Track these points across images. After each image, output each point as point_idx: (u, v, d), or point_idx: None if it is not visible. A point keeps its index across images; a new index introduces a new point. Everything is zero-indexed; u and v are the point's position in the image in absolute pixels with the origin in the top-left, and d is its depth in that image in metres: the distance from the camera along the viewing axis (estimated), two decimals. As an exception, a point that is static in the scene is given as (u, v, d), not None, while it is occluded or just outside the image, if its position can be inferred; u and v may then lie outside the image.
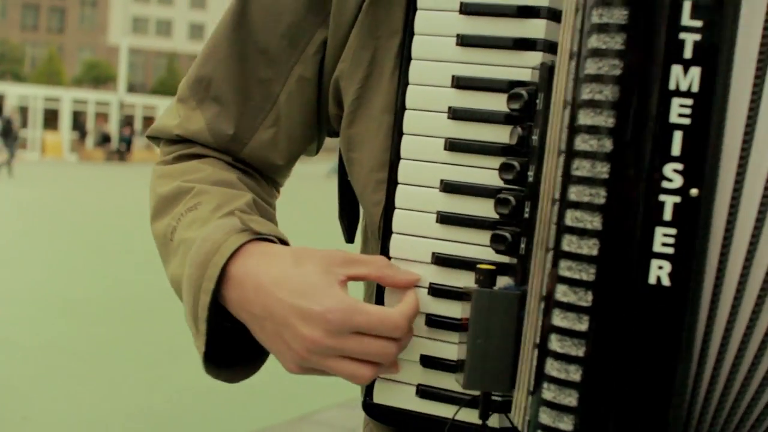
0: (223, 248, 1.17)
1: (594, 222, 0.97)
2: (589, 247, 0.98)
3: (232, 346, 1.27)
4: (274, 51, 1.29)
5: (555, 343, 0.99)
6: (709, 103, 0.95)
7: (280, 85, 1.30)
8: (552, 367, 1.00)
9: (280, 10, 1.28)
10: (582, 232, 0.98)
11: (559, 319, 0.99)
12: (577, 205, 0.98)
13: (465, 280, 1.16)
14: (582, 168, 0.98)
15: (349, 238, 1.40)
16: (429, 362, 1.19)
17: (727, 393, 0.98)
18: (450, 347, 1.18)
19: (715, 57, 0.95)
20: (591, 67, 0.98)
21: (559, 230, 1.00)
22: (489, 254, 1.15)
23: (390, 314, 1.12)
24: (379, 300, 1.20)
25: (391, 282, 1.17)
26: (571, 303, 0.98)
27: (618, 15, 0.97)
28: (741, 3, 0.94)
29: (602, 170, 0.97)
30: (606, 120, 0.97)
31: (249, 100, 1.32)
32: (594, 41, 0.98)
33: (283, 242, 1.21)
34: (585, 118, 0.98)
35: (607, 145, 0.97)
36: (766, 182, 0.96)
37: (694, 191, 0.95)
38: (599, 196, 0.97)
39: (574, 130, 0.99)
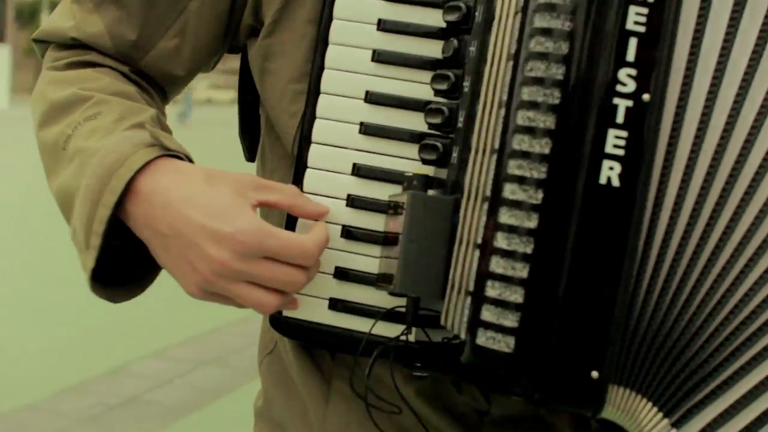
0: (130, 161, 1.11)
1: (547, 122, 1.00)
2: (541, 146, 1.00)
3: (119, 264, 1.20)
4: None
5: (501, 241, 1.01)
6: (662, 12, 0.99)
7: None
8: (498, 265, 1.01)
9: None
10: (534, 132, 1.00)
11: (506, 217, 1.00)
12: (530, 105, 1.00)
13: (384, 193, 1.16)
14: (537, 69, 1.00)
15: (251, 156, 1.37)
16: (343, 275, 1.17)
17: (667, 287, 1.02)
18: (366, 260, 1.17)
19: (671, -32, 0.99)
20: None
21: (509, 131, 1.01)
22: (411, 166, 1.15)
23: (302, 240, 1.10)
24: (289, 229, 1.18)
25: (302, 212, 1.15)
26: (521, 200, 1.00)
27: None
28: None
29: (557, 72, 1.00)
30: (563, 24, 1.00)
31: (154, 6, 1.26)
32: (554, -53, 1.00)
33: (190, 159, 1.17)
34: (541, 21, 1.00)
35: (564, 47, 1.00)
36: (708, 91, 1.01)
37: (646, 96, 0.99)
38: (553, 96, 1.00)
39: (529, 33, 1.01)
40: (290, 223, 1.18)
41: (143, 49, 1.27)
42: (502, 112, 1.03)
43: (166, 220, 1.10)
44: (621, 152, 0.99)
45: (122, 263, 1.20)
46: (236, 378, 6.02)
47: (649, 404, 1.03)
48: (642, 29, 0.99)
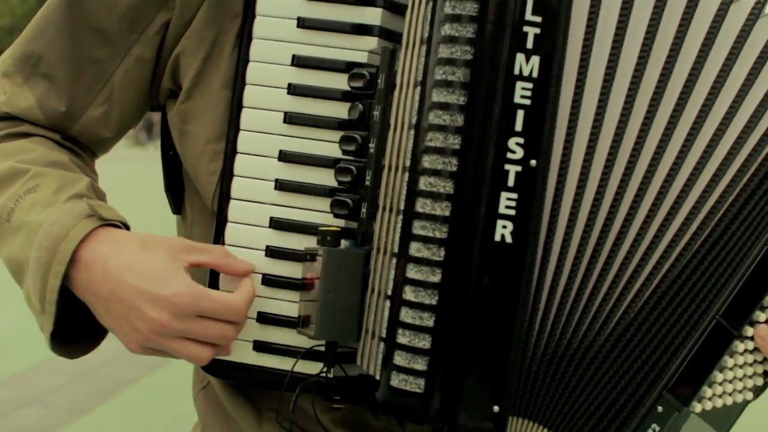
0: (72, 233, 1.21)
1: (446, 186, 1.12)
2: (442, 209, 1.12)
3: (73, 324, 1.30)
4: (111, 31, 1.33)
5: (409, 294, 1.13)
6: (547, 87, 1.12)
7: (115, 65, 1.34)
8: (407, 315, 1.13)
9: None
10: (435, 196, 1.12)
11: (413, 272, 1.13)
12: (430, 172, 1.12)
13: (300, 243, 1.27)
14: (435, 140, 1.12)
15: (177, 209, 1.46)
16: (266, 319, 1.28)
17: (555, 328, 1.16)
18: (286, 305, 1.28)
19: (552, 48, 1.12)
20: (444, 51, 1.12)
21: (412, 194, 1.13)
22: (324, 219, 1.26)
23: (233, 300, 1.22)
24: (213, 284, 1.29)
25: (230, 270, 1.26)
26: (425, 257, 1.12)
27: (470, 8, 1.12)
28: (572, 4, 1.12)
29: (454, 142, 1.12)
30: (458, 98, 1.12)
31: (81, 77, 1.34)
32: (447, 29, 1.12)
33: (126, 226, 1.27)
34: (438, 96, 1.12)
35: (459, 120, 1.12)
36: (584, 155, 1.15)
37: (533, 162, 1.12)
38: (451, 164, 1.12)
39: (428, 106, 1.13)
40: (214, 277, 1.28)
41: (73, 119, 1.35)
42: (406, 176, 1.14)
43: (106, 286, 1.20)
44: (512, 212, 1.12)
45: (75, 321, 1.30)
46: (59, 417, 5.80)
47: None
48: (528, 102, 1.12)
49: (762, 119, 1.18)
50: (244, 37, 1.28)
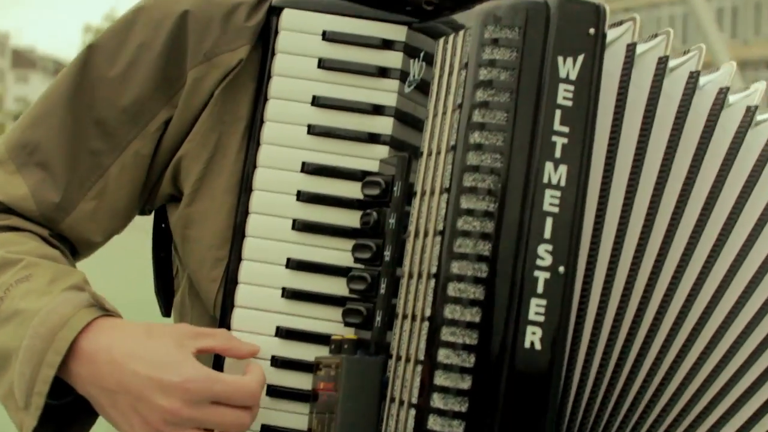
0: (72, 322, 1.16)
1: (476, 293, 1.12)
2: (472, 315, 1.12)
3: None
4: (111, 124, 1.30)
5: (438, 401, 1.11)
6: (574, 195, 1.14)
7: (112, 158, 1.30)
8: (435, 423, 1.11)
9: (125, 85, 1.29)
10: (465, 302, 1.12)
11: (442, 379, 1.11)
12: (460, 278, 1.12)
13: (307, 352, 1.24)
14: (465, 246, 1.13)
15: (167, 312, 1.41)
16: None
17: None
18: (292, 417, 1.24)
19: (579, 157, 1.15)
20: (473, 159, 1.14)
21: (441, 300, 1.13)
22: (331, 328, 1.24)
23: (246, 382, 1.18)
24: (218, 370, 1.24)
25: (236, 353, 1.22)
26: (455, 364, 1.11)
27: (499, 117, 1.14)
28: (596, 116, 1.16)
29: (484, 248, 1.12)
30: (488, 205, 1.13)
31: (76, 169, 1.30)
32: (477, 137, 1.14)
33: None
34: (467, 202, 1.13)
35: (489, 226, 1.13)
36: (609, 262, 1.17)
37: (561, 268, 1.13)
38: (481, 270, 1.12)
39: (456, 212, 1.13)
40: (217, 363, 1.24)
41: (65, 211, 1.30)
42: (432, 283, 1.14)
43: (113, 377, 1.15)
44: (542, 318, 1.12)
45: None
46: None
47: None
48: (556, 210, 1.13)
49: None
50: (252, 142, 1.27)
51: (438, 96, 1.20)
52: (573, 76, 1.15)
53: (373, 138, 1.27)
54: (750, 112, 1.24)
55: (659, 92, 1.20)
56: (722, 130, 1.23)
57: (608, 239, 1.17)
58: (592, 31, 1.16)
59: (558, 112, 1.14)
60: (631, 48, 1.19)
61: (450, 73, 1.19)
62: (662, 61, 1.21)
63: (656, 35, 1.23)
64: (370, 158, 1.27)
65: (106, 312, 1.19)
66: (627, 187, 1.18)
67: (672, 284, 1.19)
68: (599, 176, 1.17)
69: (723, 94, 1.24)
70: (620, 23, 1.21)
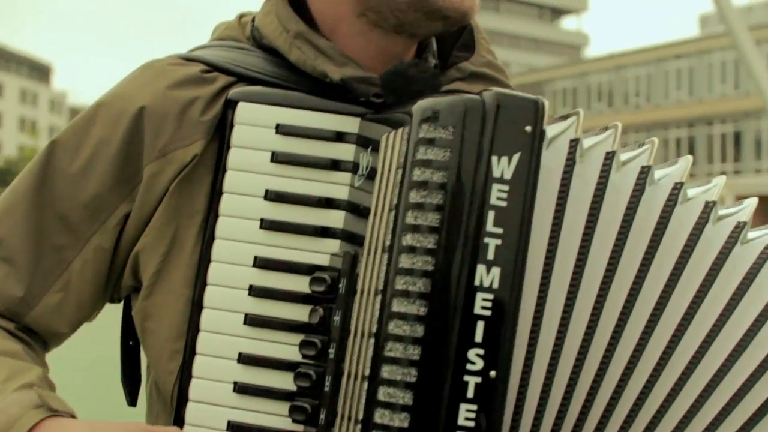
0: (19, 424, 1.18)
1: (405, 398, 1.11)
2: (401, 420, 1.10)
3: None
4: (73, 219, 1.32)
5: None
6: (507, 298, 1.12)
7: (75, 252, 1.33)
8: None
9: (85, 180, 1.31)
10: (394, 407, 1.11)
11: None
12: (389, 382, 1.11)
13: (259, 447, 1.24)
14: (395, 350, 1.11)
15: (132, 401, 1.43)
16: None
17: None
18: None
19: (512, 259, 1.12)
20: (405, 261, 1.13)
21: (371, 403, 1.12)
22: (282, 423, 1.24)
23: None
24: None
25: None
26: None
27: (431, 218, 1.12)
28: (533, 215, 1.13)
29: (414, 352, 1.11)
30: (418, 309, 1.11)
31: (41, 263, 1.33)
32: (408, 239, 1.13)
33: (74, 418, 1.24)
34: (398, 305, 1.12)
35: (419, 330, 1.11)
36: (548, 366, 1.14)
37: (492, 373, 1.11)
38: (410, 375, 1.11)
39: (387, 315, 1.12)
40: None
41: (29, 305, 1.33)
42: (365, 385, 1.13)
43: None
44: (472, 423, 1.10)
45: None
46: None
47: None
48: (488, 312, 1.11)
49: (749, 343, 1.19)
50: (206, 236, 1.28)
51: (379, 193, 1.20)
52: (508, 176, 1.13)
53: (324, 232, 1.26)
54: (708, 207, 1.20)
55: (605, 187, 1.17)
56: (678, 224, 1.19)
57: (547, 343, 1.14)
58: (528, 128, 1.14)
59: (491, 213, 1.12)
60: (573, 143, 1.16)
61: (389, 171, 1.18)
62: (609, 156, 1.18)
63: (606, 128, 1.20)
64: (322, 252, 1.27)
65: (54, 412, 1.21)
66: (569, 287, 1.15)
67: (617, 391, 1.15)
68: (537, 278, 1.14)
69: (677, 189, 1.19)
70: (566, 117, 1.18)
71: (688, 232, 1.19)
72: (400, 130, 1.18)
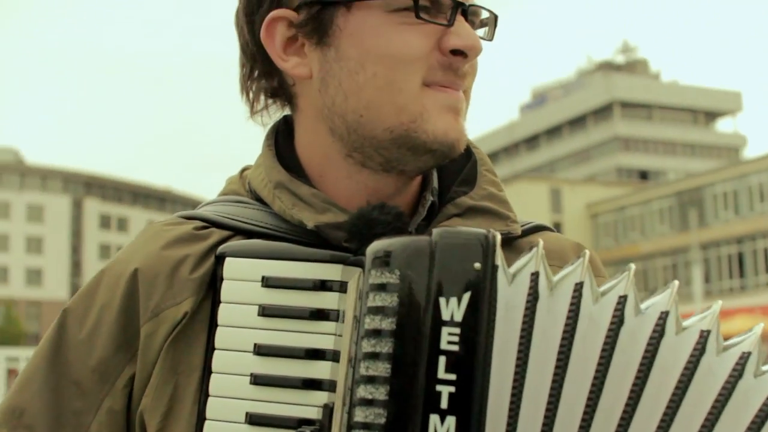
0: None
1: None
2: None
3: None
4: (86, 384, 1.35)
5: None
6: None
7: (91, 416, 1.35)
8: None
9: (92, 345, 1.35)
10: None
11: None
12: None
13: None
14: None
15: None
16: None
17: None
18: None
19: (468, 407, 1.05)
20: (359, 415, 1.08)
21: None
22: None
23: None
24: None
25: None
26: None
27: (382, 368, 1.07)
28: (490, 361, 1.05)
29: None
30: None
31: (61, 429, 1.36)
32: (362, 391, 1.07)
33: None
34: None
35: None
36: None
37: None
38: None
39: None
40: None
41: None
42: None
43: None
44: None
45: None
46: None
47: None
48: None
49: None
50: (201, 394, 1.27)
51: (343, 343, 1.16)
52: (458, 317, 1.06)
53: (313, 384, 1.23)
54: (702, 337, 1.08)
55: (575, 321, 1.08)
56: (672, 356, 1.08)
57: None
58: (477, 265, 1.07)
59: (442, 359, 1.06)
60: (534, 277, 1.08)
61: (350, 319, 1.14)
62: (578, 287, 1.08)
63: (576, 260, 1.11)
64: (311, 405, 1.22)
65: None
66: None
67: None
68: (503, 423, 1.06)
69: (663, 318, 1.08)
70: (532, 248, 1.11)
71: (683, 364, 1.08)
72: (355, 276, 1.14)
